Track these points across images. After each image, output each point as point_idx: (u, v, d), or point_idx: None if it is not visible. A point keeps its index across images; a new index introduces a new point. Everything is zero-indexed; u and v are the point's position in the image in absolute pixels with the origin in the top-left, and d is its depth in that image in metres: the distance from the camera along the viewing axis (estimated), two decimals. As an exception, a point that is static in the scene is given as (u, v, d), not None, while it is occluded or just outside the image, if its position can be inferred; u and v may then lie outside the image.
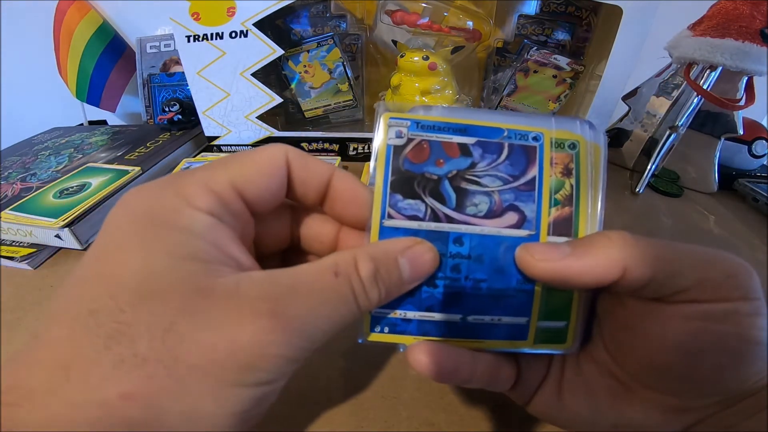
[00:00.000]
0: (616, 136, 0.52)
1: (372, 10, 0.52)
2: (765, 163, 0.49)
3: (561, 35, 0.51)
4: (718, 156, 0.46)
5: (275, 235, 0.18)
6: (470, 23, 0.48)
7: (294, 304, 0.13)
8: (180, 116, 0.56)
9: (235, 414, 0.12)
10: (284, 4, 0.43)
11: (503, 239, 0.16)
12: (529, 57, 0.50)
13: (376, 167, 0.16)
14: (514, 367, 0.18)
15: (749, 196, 0.45)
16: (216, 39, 0.44)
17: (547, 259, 0.15)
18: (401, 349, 0.17)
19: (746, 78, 0.39)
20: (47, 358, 0.11)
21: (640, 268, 0.14)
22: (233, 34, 0.44)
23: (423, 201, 0.16)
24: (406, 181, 0.16)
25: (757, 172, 0.49)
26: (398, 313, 0.16)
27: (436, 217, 0.16)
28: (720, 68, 0.37)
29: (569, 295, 0.17)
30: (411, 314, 0.16)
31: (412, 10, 0.47)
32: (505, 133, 0.17)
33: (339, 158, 0.48)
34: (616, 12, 0.40)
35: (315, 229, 0.18)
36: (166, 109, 0.57)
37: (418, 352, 0.16)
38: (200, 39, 0.44)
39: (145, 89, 0.64)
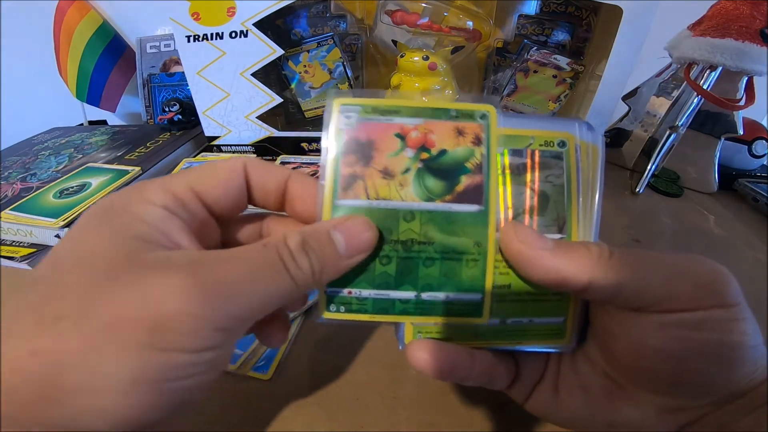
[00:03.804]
0: (616, 136, 0.52)
1: (372, 10, 0.52)
2: (765, 163, 0.49)
3: (561, 35, 0.51)
4: (718, 156, 0.46)
5: (245, 241, 0.18)
6: (470, 23, 0.48)
7: (218, 270, 0.12)
8: (180, 116, 0.56)
9: (145, 380, 0.11)
10: (284, 4, 0.43)
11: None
12: (529, 57, 0.50)
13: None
14: (512, 365, 0.18)
15: (749, 196, 0.45)
16: (216, 39, 0.44)
17: (526, 243, 0.15)
18: (401, 347, 0.17)
19: (746, 78, 0.39)
20: None
21: (605, 282, 0.14)
22: (233, 34, 0.44)
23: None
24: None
25: (757, 172, 0.49)
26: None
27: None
28: (720, 68, 0.37)
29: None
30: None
31: (412, 10, 0.47)
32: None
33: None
34: (616, 12, 0.40)
35: (276, 232, 0.19)
36: (166, 109, 0.57)
37: (417, 350, 0.16)
38: (200, 39, 0.44)
39: (145, 89, 0.64)
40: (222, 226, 0.17)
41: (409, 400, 0.23)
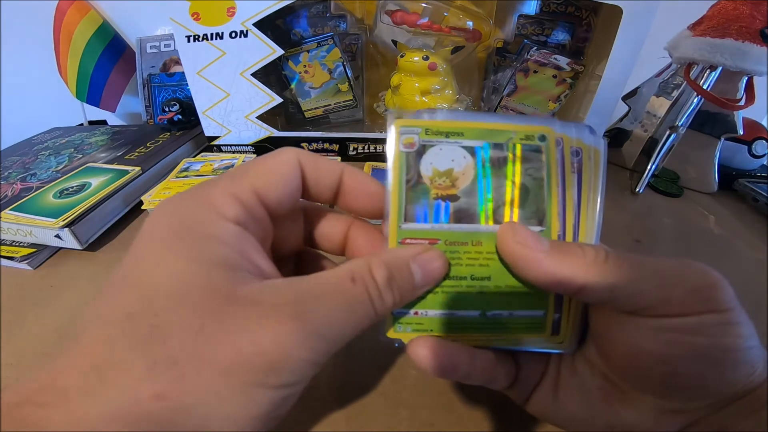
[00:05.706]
0: (616, 136, 0.52)
1: (372, 10, 0.52)
2: (765, 163, 0.49)
3: (561, 35, 0.51)
4: (718, 156, 0.46)
5: (291, 236, 0.19)
6: (470, 23, 0.48)
7: (314, 309, 0.13)
8: (180, 116, 0.56)
9: (258, 416, 0.12)
10: (284, 4, 0.43)
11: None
12: (529, 57, 0.50)
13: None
14: (513, 365, 0.18)
15: (749, 196, 0.45)
16: (216, 39, 0.44)
17: (522, 243, 0.15)
18: (396, 345, 0.17)
19: (746, 78, 0.39)
20: (82, 359, 0.12)
21: (599, 286, 0.14)
22: (233, 34, 0.44)
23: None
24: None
25: (757, 172, 0.49)
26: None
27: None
28: (720, 68, 0.37)
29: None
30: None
31: (412, 10, 0.47)
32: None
33: (339, 158, 0.48)
34: (616, 12, 0.40)
35: (326, 228, 0.19)
36: (166, 109, 0.57)
37: (419, 347, 0.16)
38: (200, 39, 0.44)
39: (145, 89, 0.64)
40: (273, 222, 0.17)
41: (409, 400, 0.23)
